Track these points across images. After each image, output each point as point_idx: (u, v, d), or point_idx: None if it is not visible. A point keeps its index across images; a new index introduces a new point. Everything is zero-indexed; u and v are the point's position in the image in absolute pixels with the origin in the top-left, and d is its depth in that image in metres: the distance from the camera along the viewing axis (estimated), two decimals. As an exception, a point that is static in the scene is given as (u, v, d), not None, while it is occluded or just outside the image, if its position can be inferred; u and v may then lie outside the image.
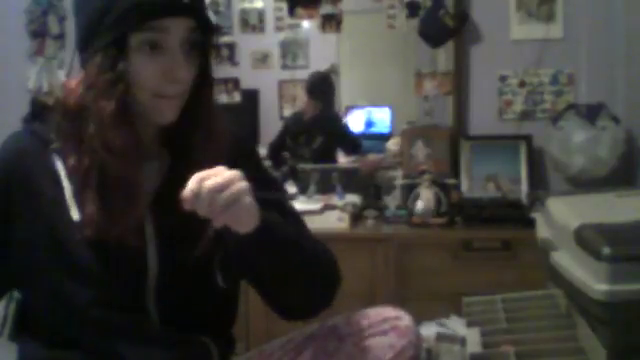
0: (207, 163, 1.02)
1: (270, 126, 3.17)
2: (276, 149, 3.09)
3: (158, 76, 1.03)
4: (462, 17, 2.80)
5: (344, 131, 3.24)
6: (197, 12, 1.05)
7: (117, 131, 1.02)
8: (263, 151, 2.98)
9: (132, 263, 1.08)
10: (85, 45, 1.06)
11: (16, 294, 1.15)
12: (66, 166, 1.06)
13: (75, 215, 1.04)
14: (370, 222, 2.66)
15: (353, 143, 3.15)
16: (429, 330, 1.69)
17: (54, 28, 3.09)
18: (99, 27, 1.02)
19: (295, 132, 3.14)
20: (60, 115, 1.10)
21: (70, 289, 1.05)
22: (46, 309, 1.09)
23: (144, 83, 1.03)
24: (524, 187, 2.72)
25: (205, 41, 1.08)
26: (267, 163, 2.94)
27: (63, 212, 1.04)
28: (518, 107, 2.83)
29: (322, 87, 3.15)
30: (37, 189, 1.06)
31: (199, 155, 1.08)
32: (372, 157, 3.02)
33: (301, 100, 3.19)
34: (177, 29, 1.03)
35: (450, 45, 2.84)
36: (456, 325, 1.75)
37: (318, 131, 3.11)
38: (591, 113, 2.60)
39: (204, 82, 1.11)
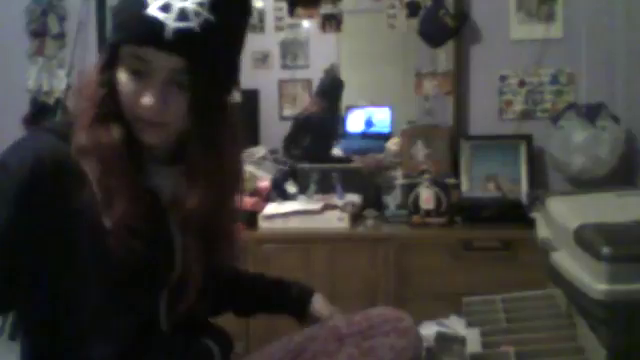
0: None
1: (270, 126, 3.17)
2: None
3: (133, 98, 1.02)
4: (462, 17, 2.80)
5: (335, 135, 3.24)
6: (187, 52, 0.99)
7: (95, 131, 1.03)
8: (263, 151, 2.98)
9: (161, 266, 1.09)
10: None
11: None
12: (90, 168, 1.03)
13: (107, 222, 1.01)
14: (370, 222, 2.66)
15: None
16: (429, 330, 1.69)
17: (54, 28, 3.09)
18: (111, 30, 1.05)
19: (294, 129, 3.15)
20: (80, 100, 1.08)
21: (96, 294, 1.04)
22: (59, 311, 1.06)
23: (123, 99, 1.03)
24: (524, 187, 2.72)
25: (200, 81, 1.02)
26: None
27: (96, 219, 1.02)
28: (518, 107, 2.83)
29: (331, 90, 3.15)
30: (71, 196, 1.01)
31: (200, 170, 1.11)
32: (372, 157, 3.02)
33: (301, 100, 3.19)
34: (160, 64, 1.00)
35: (450, 45, 2.84)
36: (456, 325, 1.75)
37: (309, 130, 3.11)
38: (591, 113, 2.61)
39: (202, 112, 1.06)
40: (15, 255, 1.00)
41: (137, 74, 1.01)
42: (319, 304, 1.39)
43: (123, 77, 1.02)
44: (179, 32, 0.97)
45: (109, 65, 1.03)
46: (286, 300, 1.40)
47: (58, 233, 1.01)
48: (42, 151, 1.01)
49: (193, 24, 0.98)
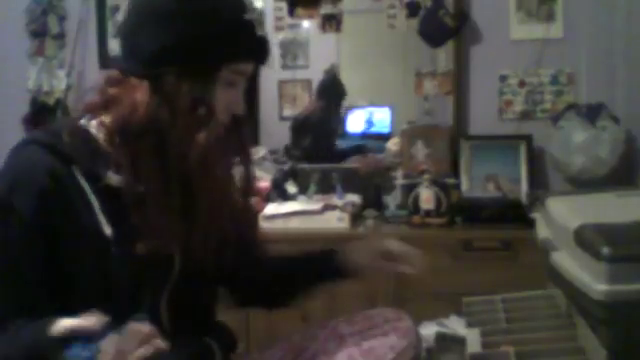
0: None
1: (270, 126, 3.17)
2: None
3: (224, 109, 1.08)
4: (462, 17, 2.80)
5: (335, 135, 3.23)
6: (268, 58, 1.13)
7: (210, 157, 1.05)
8: (263, 151, 2.98)
9: (160, 267, 1.09)
10: (163, 61, 1.03)
11: None
12: (91, 183, 1.04)
13: (107, 230, 1.03)
14: (370, 222, 2.66)
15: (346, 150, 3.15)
16: (429, 330, 1.69)
17: (54, 28, 3.09)
18: (194, 51, 1.03)
19: (293, 130, 3.16)
20: (121, 128, 1.04)
21: (95, 297, 1.04)
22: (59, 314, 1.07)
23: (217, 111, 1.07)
24: (524, 187, 2.72)
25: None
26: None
27: (95, 228, 1.03)
28: (518, 107, 2.83)
29: (330, 89, 3.15)
30: (70, 208, 1.03)
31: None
32: (372, 157, 3.02)
33: (301, 100, 3.19)
34: (250, 71, 1.10)
35: (450, 45, 2.84)
36: (456, 325, 1.75)
37: (308, 130, 3.11)
38: (591, 113, 2.61)
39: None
40: (29, 278, 1.02)
41: (231, 86, 1.07)
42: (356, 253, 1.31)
43: (219, 92, 1.06)
44: (268, 42, 1.12)
45: (207, 89, 1.05)
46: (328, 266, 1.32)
47: (63, 245, 1.02)
48: (43, 182, 1.01)
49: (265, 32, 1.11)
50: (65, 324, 0.84)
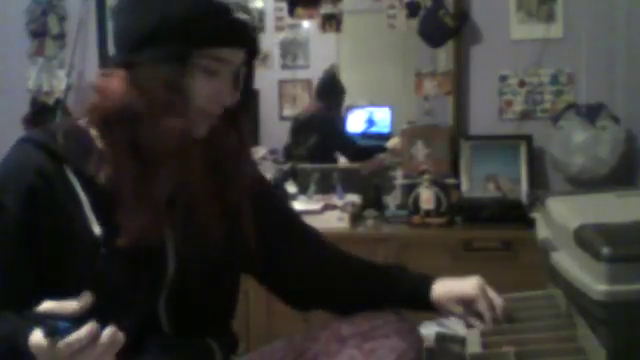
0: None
1: (270, 126, 3.17)
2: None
3: (209, 98, 1.07)
4: (462, 17, 2.80)
5: (340, 134, 3.23)
6: (254, 45, 1.11)
7: (186, 145, 1.04)
8: (263, 151, 2.98)
9: (153, 266, 1.09)
10: (138, 47, 1.04)
11: None
12: (82, 182, 1.04)
13: (96, 229, 1.03)
14: (370, 222, 2.66)
15: (351, 148, 3.14)
16: (429, 330, 1.69)
17: (54, 28, 3.09)
18: (166, 35, 1.03)
19: (294, 130, 3.16)
20: (98, 118, 1.06)
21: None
22: None
23: (196, 102, 1.06)
24: (524, 187, 2.72)
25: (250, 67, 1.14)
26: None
27: (84, 227, 1.03)
28: (518, 107, 2.83)
29: (329, 88, 3.16)
30: (59, 207, 1.03)
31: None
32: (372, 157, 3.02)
33: (301, 100, 3.20)
34: (235, 59, 1.08)
35: (450, 45, 2.84)
36: (456, 325, 1.75)
37: (313, 130, 3.11)
38: (591, 113, 2.61)
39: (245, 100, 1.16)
40: (20, 273, 1.03)
41: (213, 74, 1.06)
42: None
43: (198, 79, 1.05)
44: (251, 27, 1.08)
45: (181, 73, 1.04)
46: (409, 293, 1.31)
47: (54, 244, 1.02)
48: (32, 181, 1.01)
49: (249, 17, 1.08)
50: (47, 304, 0.85)
